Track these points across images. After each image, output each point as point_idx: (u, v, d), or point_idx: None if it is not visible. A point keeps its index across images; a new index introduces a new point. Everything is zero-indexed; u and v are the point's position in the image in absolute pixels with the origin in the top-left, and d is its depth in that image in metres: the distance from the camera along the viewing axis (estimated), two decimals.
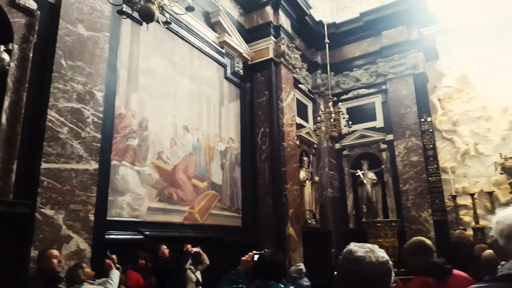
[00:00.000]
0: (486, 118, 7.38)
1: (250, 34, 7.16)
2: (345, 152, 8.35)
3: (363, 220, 7.66)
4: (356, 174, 7.98)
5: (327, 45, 7.29)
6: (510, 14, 6.79)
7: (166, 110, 5.21)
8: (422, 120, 7.55)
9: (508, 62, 7.12)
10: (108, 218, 4.09)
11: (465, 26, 7.21)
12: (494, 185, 7.09)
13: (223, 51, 6.50)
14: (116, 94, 4.46)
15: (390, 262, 1.13)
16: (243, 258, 2.41)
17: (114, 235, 4.09)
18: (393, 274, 1.14)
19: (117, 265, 3.39)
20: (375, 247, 1.16)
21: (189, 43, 5.83)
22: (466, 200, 7.22)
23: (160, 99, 5.13)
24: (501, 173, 6.91)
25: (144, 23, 3.40)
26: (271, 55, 7.04)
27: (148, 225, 4.56)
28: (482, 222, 6.85)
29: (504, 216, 1.29)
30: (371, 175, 7.88)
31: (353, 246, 1.16)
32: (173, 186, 5.09)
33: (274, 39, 7.10)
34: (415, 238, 2.53)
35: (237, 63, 6.84)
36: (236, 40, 6.71)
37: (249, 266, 2.36)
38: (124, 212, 4.34)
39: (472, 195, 7.06)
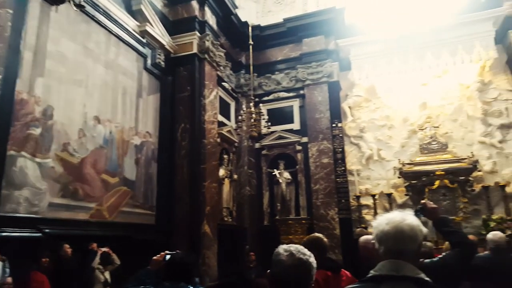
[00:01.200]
0: (389, 126, 8.21)
1: (174, 27, 6.98)
2: (264, 152, 8.59)
3: (277, 217, 7.97)
4: (273, 173, 8.26)
5: (251, 47, 7.44)
6: (410, 31, 7.58)
7: (75, 98, 4.83)
8: (334, 125, 8.10)
9: (409, 77, 8.02)
10: (1, 214, 3.68)
11: (375, 41, 7.90)
12: (393, 187, 7.90)
13: (144, 41, 6.25)
14: (17, 77, 4.02)
15: (312, 263, 1.28)
16: (154, 258, 2.35)
17: (8, 233, 3.69)
18: (313, 273, 1.28)
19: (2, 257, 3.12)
20: (299, 247, 1.31)
21: (106, 29, 5.48)
22: (368, 200, 7.93)
23: (69, 86, 4.74)
24: (398, 177, 7.73)
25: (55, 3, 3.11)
26: (195, 50, 6.95)
27: (48, 222, 4.19)
28: None
29: (378, 222, 1.43)
30: (286, 174, 8.22)
31: (280, 248, 1.31)
32: (79, 181, 4.74)
33: (199, 34, 7.01)
34: (312, 234, 2.72)
35: (159, 54, 6.62)
36: (158, 31, 6.49)
37: (160, 266, 2.31)
38: (21, 207, 3.93)
39: (373, 196, 7.79)
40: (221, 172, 7.62)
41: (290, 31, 8.35)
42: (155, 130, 6.49)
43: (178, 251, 2.43)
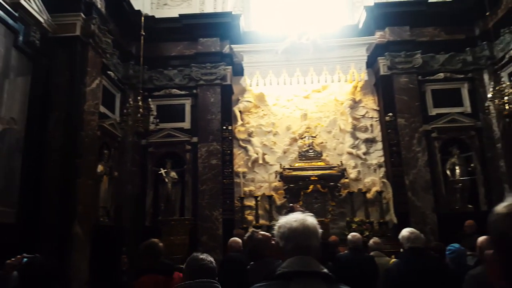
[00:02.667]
0: (274, 133, 8.71)
1: (57, 5, 6.20)
2: (150, 149, 8.25)
3: (160, 218, 7.73)
4: (159, 172, 7.99)
5: (142, 37, 7.09)
6: (298, 47, 8.18)
7: None
8: (224, 127, 8.24)
9: (294, 89, 8.66)
10: None
11: (267, 51, 8.31)
12: (273, 190, 8.39)
13: (17, 14, 5.41)
14: None
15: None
16: (8, 261, 2.05)
17: None
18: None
19: None
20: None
21: None
22: (251, 202, 8.27)
23: None
24: (279, 181, 8.24)
25: None
26: (78, 32, 6.30)
27: None
28: (261, 221, 7.99)
29: (285, 221, 1.49)
30: (173, 174, 8.04)
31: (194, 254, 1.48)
32: None
33: (84, 16, 6.38)
34: (148, 240, 2.72)
35: (34, 32, 5.80)
36: (36, 7, 5.69)
37: (15, 270, 2.02)
38: None
39: (256, 197, 8.15)
40: (100, 168, 7.05)
41: (186, 28, 8.22)
42: (22, 117, 5.65)
43: (37, 254, 2.16)
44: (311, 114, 8.70)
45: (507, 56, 7.47)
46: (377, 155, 8.47)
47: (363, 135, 8.56)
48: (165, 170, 7.95)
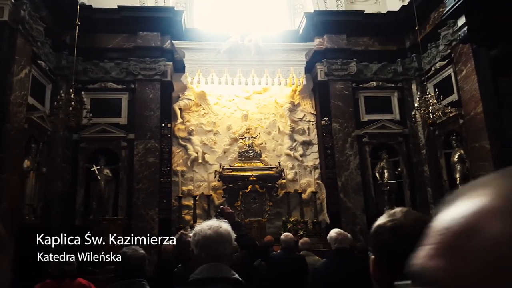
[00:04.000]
0: (214, 132, 8.68)
1: None
2: (82, 145, 7.84)
3: (91, 217, 7.39)
4: (92, 169, 7.63)
5: (77, 27, 6.74)
6: (240, 48, 8.23)
7: None
8: (163, 125, 8.07)
9: (235, 89, 8.70)
10: None
11: (210, 50, 8.27)
12: (212, 189, 8.35)
13: None
14: None
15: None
16: None
17: None
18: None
19: None
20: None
21: None
22: (189, 201, 8.17)
23: None
24: (218, 180, 8.22)
25: None
26: (6, 17, 5.92)
27: None
28: (198, 221, 7.90)
29: (200, 229, 1.51)
30: (107, 171, 7.72)
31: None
32: None
33: (13, 0, 5.98)
34: None
35: None
36: None
37: None
38: None
39: (194, 197, 8.07)
40: (27, 163, 6.60)
41: (125, 20, 7.90)
42: None
43: None
44: (252, 115, 8.79)
45: (433, 68, 8.09)
46: (313, 157, 8.76)
47: (300, 138, 8.82)
48: (98, 167, 7.61)
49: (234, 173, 8.19)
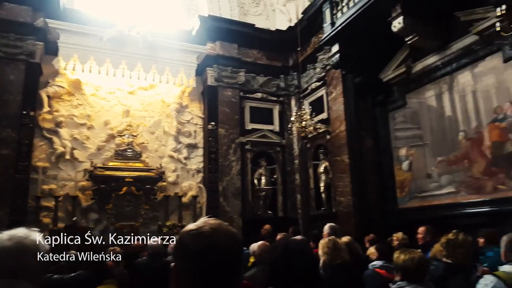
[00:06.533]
0: (88, 126, 7.84)
1: None
2: None
3: None
4: None
5: None
6: (127, 38, 7.70)
7: None
8: (25, 112, 6.96)
9: (118, 82, 8.07)
10: None
11: (91, 35, 7.49)
12: (80, 190, 7.51)
13: None
14: None
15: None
16: None
17: None
18: None
19: None
20: None
21: None
22: (50, 202, 7.19)
23: None
24: (88, 180, 7.45)
25: None
26: None
27: None
28: (59, 225, 6.98)
29: None
30: None
31: None
32: None
33: None
34: None
35: None
36: None
37: None
38: None
39: (57, 197, 7.13)
40: None
41: None
42: None
43: None
44: (135, 111, 8.27)
45: (309, 88, 8.91)
46: (197, 161, 8.69)
47: (186, 140, 8.66)
48: None
49: (108, 172, 7.54)
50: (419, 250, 2.56)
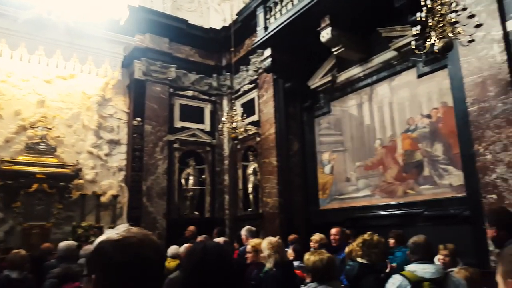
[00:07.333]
0: None
1: None
2: None
3: None
4: None
5: None
6: (46, 22, 6.96)
7: None
8: None
9: (34, 68, 7.29)
10: None
11: (2, 14, 6.69)
12: None
13: None
14: None
15: None
16: None
17: None
18: None
19: None
20: None
21: None
22: None
23: None
24: None
25: None
26: None
27: None
28: None
29: None
30: None
31: None
32: None
33: None
34: None
35: None
36: None
37: None
38: None
39: None
40: None
41: None
42: None
43: None
44: (51, 102, 7.56)
45: (242, 89, 8.95)
46: (119, 158, 8.20)
47: (108, 135, 8.13)
48: None
49: (16, 167, 6.82)
50: (325, 251, 2.66)
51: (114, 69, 7.79)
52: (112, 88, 8.28)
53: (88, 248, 4.61)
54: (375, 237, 2.82)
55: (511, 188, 3.89)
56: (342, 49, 6.18)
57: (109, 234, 0.97)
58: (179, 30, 8.58)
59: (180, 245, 4.64)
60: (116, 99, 8.37)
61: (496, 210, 2.78)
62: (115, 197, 7.75)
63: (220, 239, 3.97)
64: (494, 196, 4.00)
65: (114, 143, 8.20)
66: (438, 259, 3.55)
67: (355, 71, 6.68)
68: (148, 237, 0.98)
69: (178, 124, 8.73)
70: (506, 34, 4.12)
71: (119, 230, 0.97)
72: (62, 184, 7.14)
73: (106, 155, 8.05)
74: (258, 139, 8.12)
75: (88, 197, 7.48)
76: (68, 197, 7.27)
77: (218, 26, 9.10)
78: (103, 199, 7.69)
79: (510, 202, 3.83)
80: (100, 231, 7.27)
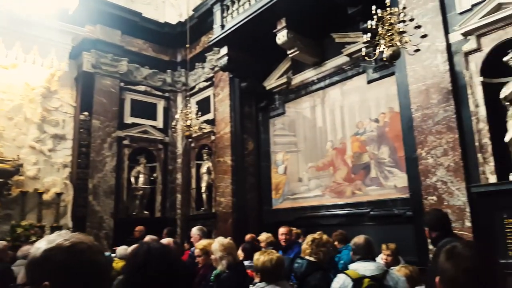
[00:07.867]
0: None
1: None
2: None
3: None
4: None
5: None
6: None
7: None
8: None
9: None
10: None
11: None
12: None
13: None
14: None
15: None
16: None
17: None
18: None
19: None
20: None
21: None
22: None
23: None
24: None
25: None
26: None
27: None
28: None
29: None
30: None
31: None
32: None
33: None
34: None
35: None
36: None
37: None
38: None
39: None
40: None
41: None
42: None
43: None
44: None
45: (197, 87, 8.83)
46: (64, 154, 7.75)
47: (52, 130, 7.65)
48: None
49: None
50: (274, 251, 2.71)
51: (61, 60, 7.34)
52: (58, 80, 7.81)
53: (27, 249, 4.31)
54: (324, 236, 2.92)
55: (450, 190, 4.17)
56: (297, 52, 6.30)
57: (55, 240, 0.96)
58: (133, 23, 8.28)
59: (129, 246, 4.48)
60: (62, 92, 7.90)
61: (433, 212, 2.98)
62: (58, 195, 7.33)
63: (169, 240, 3.87)
64: (434, 197, 4.28)
65: (59, 138, 7.74)
66: (381, 258, 3.74)
67: (309, 74, 6.84)
68: (93, 242, 1.01)
69: (129, 120, 8.43)
70: (449, 45, 4.41)
71: (64, 237, 0.97)
72: (0, 180, 6.62)
73: (50, 150, 7.58)
74: (213, 137, 8.05)
75: (29, 195, 7.02)
76: (7, 194, 6.78)
77: (173, 21, 8.90)
78: (46, 196, 7.24)
79: (449, 203, 4.12)
80: (42, 231, 6.85)
